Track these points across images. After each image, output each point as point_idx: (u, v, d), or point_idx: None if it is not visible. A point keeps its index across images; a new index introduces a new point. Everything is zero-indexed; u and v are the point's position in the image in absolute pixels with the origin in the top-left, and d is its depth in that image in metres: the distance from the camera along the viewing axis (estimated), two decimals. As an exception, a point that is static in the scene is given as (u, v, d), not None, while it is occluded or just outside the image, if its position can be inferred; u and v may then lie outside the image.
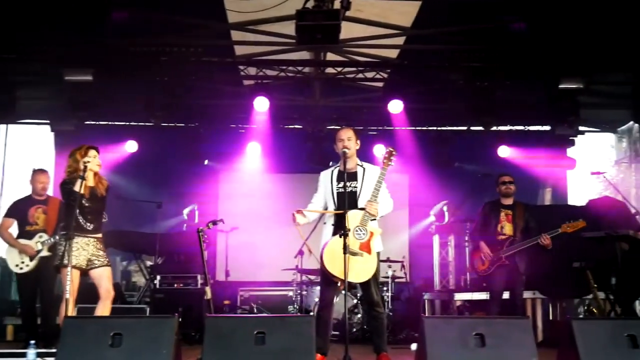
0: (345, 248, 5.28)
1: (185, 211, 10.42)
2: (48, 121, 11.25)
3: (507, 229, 7.50)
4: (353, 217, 5.63)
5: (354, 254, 5.50)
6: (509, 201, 7.62)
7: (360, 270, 5.53)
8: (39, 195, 7.52)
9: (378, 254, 5.80)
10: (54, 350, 4.95)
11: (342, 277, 5.40)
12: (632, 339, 4.75)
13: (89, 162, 5.88)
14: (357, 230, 5.63)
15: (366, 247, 5.63)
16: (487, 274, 7.54)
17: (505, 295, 7.55)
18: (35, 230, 7.34)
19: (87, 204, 5.94)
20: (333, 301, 5.91)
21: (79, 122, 9.96)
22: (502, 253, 7.38)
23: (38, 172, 7.58)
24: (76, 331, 4.76)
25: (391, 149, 5.89)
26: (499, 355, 4.72)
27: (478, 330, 4.78)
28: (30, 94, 10.89)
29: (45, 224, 7.37)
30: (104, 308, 6.02)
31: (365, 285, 5.80)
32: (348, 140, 5.84)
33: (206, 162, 11.89)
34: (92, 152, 6.03)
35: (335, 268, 5.54)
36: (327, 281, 5.67)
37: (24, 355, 5.22)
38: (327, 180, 5.97)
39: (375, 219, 5.76)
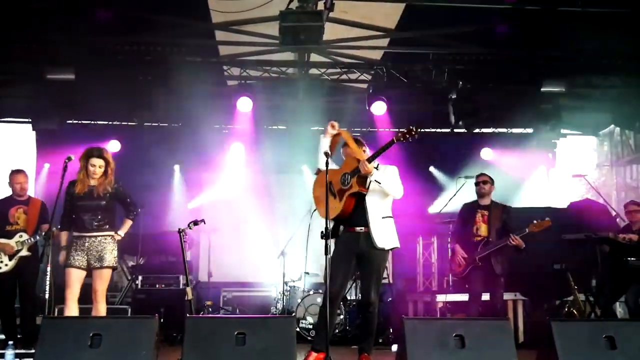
0: (327, 249, 5.27)
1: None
2: (30, 120, 11.16)
3: (482, 230, 7.47)
4: (349, 163, 5.80)
5: (331, 191, 5.67)
6: (485, 201, 7.59)
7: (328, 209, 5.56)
8: (19, 195, 7.46)
9: (383, 251, 5.82)
10: (32, 351, 4.92)
11: (317, 205, 5.90)
12: (610, 340, 4.79)
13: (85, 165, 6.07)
14: (344, 175, 5.78)
15: (340, 194, 5.75)
16: (463, 276, 7.54)
17: (486, 296, 7.56)
18: (15, 230, 7.28)
19: (80, 203, 6.02)
20: (338, 297, 5.87)
21: (61, 121, 9.89)
22: (476, 255, 7.35)
23: (15, 173, 7.50)
24: (55, 331, 4.73)
25: (413, 127, 5.67)
26: (479, 357, 4.74)
27: (458, 332, 4.80)
28: (11, 92, 10.81)
29: (25, 224, 7.32)
30: (94, 312, 6.04)
31: (364, 282, 5.86)
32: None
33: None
34: (93, 160, 6.11)
35: (316, 192, 5.92)
36: (332, 277, 5.58)
37: (1, 355, 5.17)
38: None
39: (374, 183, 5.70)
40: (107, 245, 6.08)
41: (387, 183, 5.71)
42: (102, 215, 6.09)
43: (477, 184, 7.64)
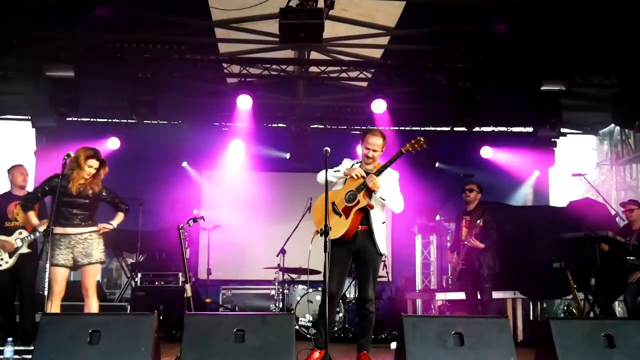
0: (326, 246, 5.27)
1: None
2: (29, 117, 11.16)
3: (464, 234, 7.93)
4: (353, 181, 5.73)
5: (335, 212, 5.65)
6: (471, 207, 8.05)
7: (333, 229, 5.50)
8: (19, 190, 7.45)
9: (380, 255, 5.83)
10: (31, 348, 4.92)
11: (317, 227, 5.65)
12: (609, 338, 4.80)
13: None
14: (349, 193, 5.72)
15: (346, 211, 5.69)
16: (457, 278, 8.16)
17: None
18: (14, 227, 7.25)
19: (66, 199, 6.02)
20: (336, 295, 5.86)
21: (60, 118, 9.87)
22: (459, 259, 7.90)
23: (17, 166, 7.51)
24: (54, 328, 4.74)
25: (421, 138, 5.78)
26: (478, 355, 4.74)
27: (457, 330, 4.81)
28: (11, 89, 10.80)
29: (24, 220, 7.30)
30: (87, 308, 6.05)
31: (362, 279, 5.85)
32: (374, 151, 5.81)
33: (184, 164, 11.88)
34: (91, 162, 6.15)
35: (316, 216, 5.81)
36: (330, 275, 5.53)
37: (1, 352, 5.17)
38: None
39: (380, 197, 5.69)
40: (93, 242, 6.12)
41: (390, 200, 5.76)
42: (86, 211, 6.15)
43: (463, 191, 8.15)
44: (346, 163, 5.98)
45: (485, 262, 7.74)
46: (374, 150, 5.80)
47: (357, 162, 5.97)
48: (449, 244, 10.82)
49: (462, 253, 7.86)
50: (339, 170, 5.88)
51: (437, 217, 11.14)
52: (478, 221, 7.63)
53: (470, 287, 7.98)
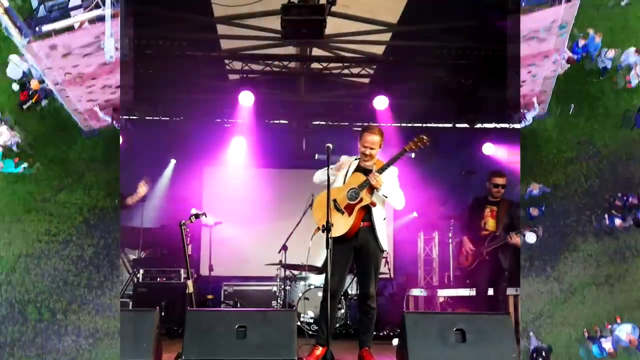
0: (328, 243, 5.27)
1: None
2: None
3: (490, 224, 7.62)
4: (355, 178, 5.75)
5: (337, 209, 5.66)
6: (495, 198, 7.72)
7: (335, 226, 5.53)
8: None
9: (382, 251, 5.85)
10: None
11: (318, 225, 5.69)
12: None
13: None
14: (351, 191, 5.72)
15: (349, 209, 5.70)
16: (470, 269, 7.68)
17: (490, 291, 7.69)
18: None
19: None
20: (338, 292, 5.90)
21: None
22: (483, 249, 7.51)
23: None
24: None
25: (424, 136, 5.82)
26: (479, 351, 4.75)
27: (459, 326, 4.82)
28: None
29: None
30: None
31: (363, 275, 5.87)
32: (371, 149, 5.83)
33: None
34: None
35: (317, 214, 5.79)
36: (332, 271, 5.54)
37: None
38: (346, 166, 5.96)
39: (382, 193, 5.71)
40: None
41: (392, 197, 5.79)
42: None
43: (495, 185, 7.68)
44: (344, 160, 6.00)
45: (509, 258, 7.54)
46: (372, 148, 5.83)
47: (355, 159, 5.99)
48: (450, 240, 10.83)
49: (490, 245, 7.50)
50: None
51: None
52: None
53: (484, 282, 7.63)
